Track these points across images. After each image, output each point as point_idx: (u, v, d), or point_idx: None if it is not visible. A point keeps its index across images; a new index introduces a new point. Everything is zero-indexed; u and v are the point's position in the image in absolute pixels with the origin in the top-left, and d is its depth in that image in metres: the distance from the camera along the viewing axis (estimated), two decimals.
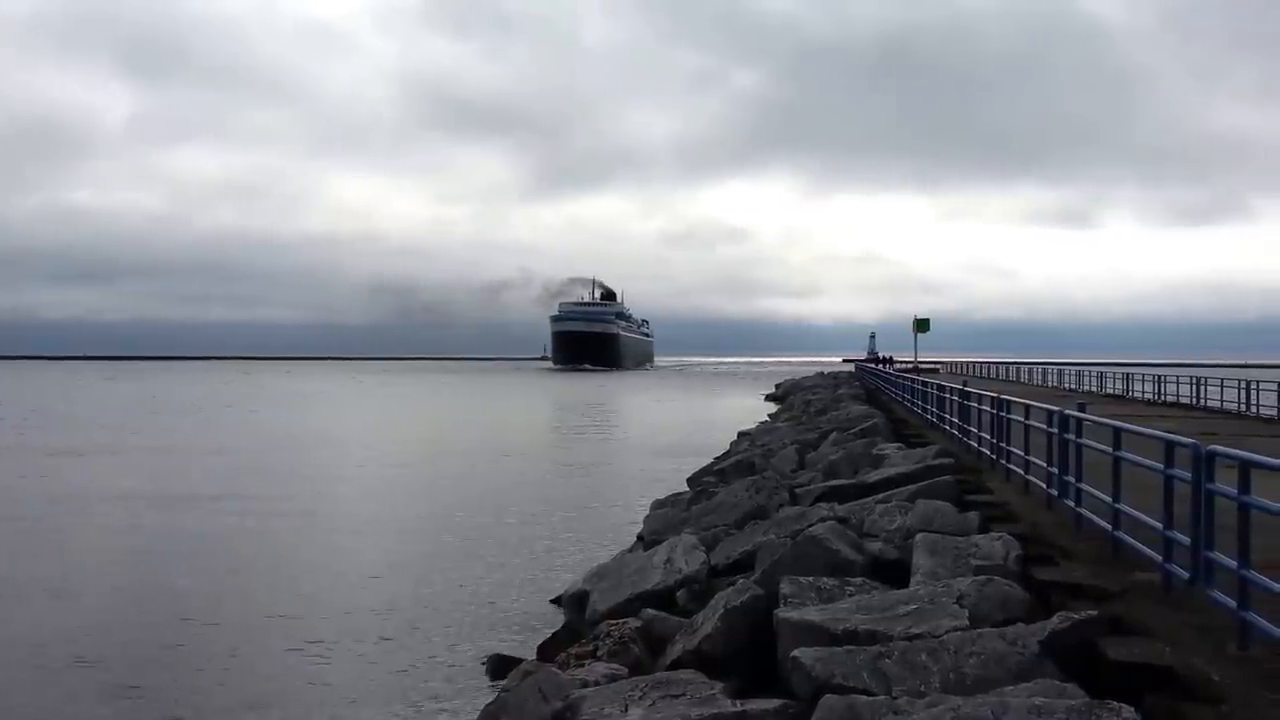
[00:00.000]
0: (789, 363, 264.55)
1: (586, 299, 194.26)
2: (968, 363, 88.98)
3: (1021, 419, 12.83)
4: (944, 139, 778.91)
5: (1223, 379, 31.62)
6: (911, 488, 12.41)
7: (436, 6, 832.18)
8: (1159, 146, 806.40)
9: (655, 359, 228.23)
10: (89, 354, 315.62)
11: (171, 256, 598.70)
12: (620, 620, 9.72)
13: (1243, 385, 28.77)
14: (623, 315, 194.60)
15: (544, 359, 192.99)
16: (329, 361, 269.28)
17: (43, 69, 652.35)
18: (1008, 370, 65.08)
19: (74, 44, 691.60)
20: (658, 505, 18.86)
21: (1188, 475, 7.00)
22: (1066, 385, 45.99)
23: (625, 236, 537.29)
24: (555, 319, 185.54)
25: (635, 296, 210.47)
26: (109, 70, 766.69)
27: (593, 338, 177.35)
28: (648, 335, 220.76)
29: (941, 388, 22.30)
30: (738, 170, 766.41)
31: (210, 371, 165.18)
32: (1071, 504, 10.00)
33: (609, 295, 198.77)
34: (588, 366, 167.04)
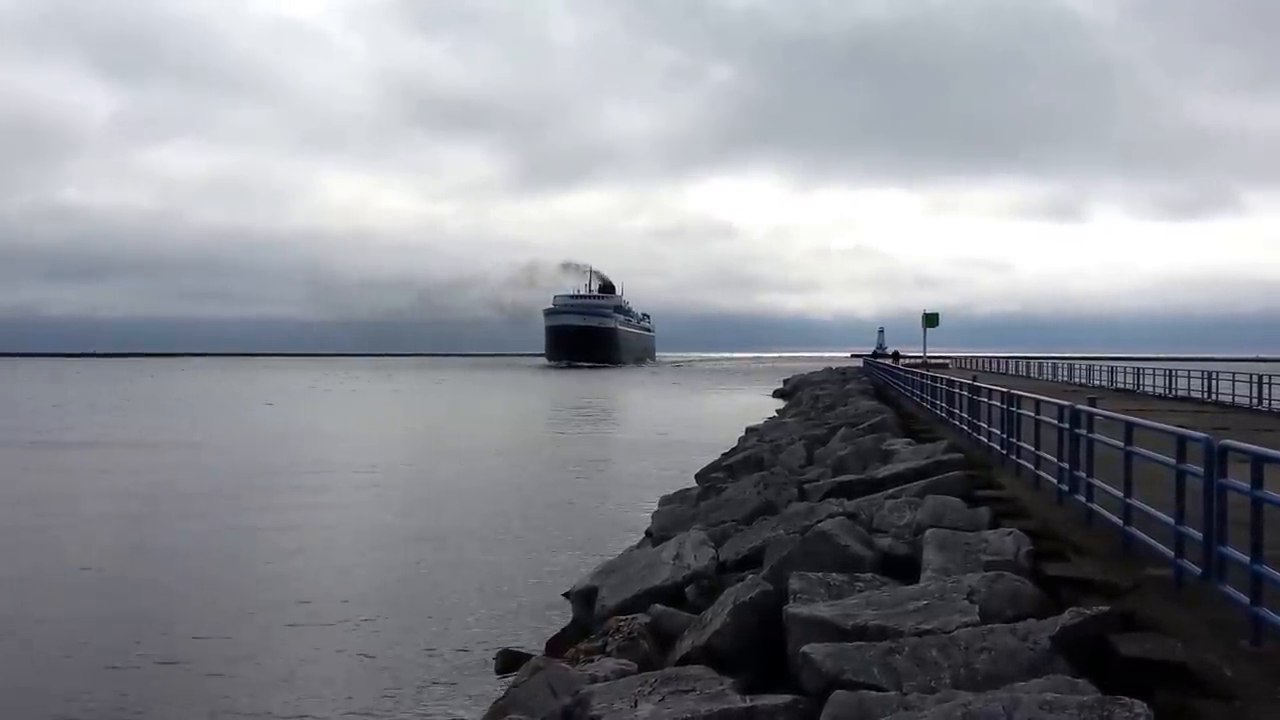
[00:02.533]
0: (795, 358, 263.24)
1: (583, 291, 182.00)
2: (975, 358, 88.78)
3: (1032, 414, 12.79)
4: (921, 133, 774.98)
5: (1234, 373, 31.51)
6: (921, 483, 12.39)
7: (405, 5, 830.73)
8: (1139, 139, 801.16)
9: (657, 355, 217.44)
10: (85, 351, 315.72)
11: (164, 254, 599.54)
12: (629, 616, 9.71)
13: (1255, 379, 28.66)
14: (622, 309, 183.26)
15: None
16: (321, 358, 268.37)
17: (17, 68, 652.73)
18: (1016, 365, 64.90)
19: (47, 43, 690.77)
20: (666, 501, 18.88)
21: (1200, 470, 6.97)
22: (1077, 380, 45.85)
23: (615, 232, 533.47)
24: (550, 313, 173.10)
25: (632, 291, 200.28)
26: (84, 70, 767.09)
27: (589, 333, 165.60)
28: (649, 330, 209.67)
29: (951, 383, 22.25)
30: (723, 165, 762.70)
31: (210, 369, 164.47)
32: (1083, 499, 9.96)
33: (607, 287, 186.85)
34: (582, 363, 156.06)
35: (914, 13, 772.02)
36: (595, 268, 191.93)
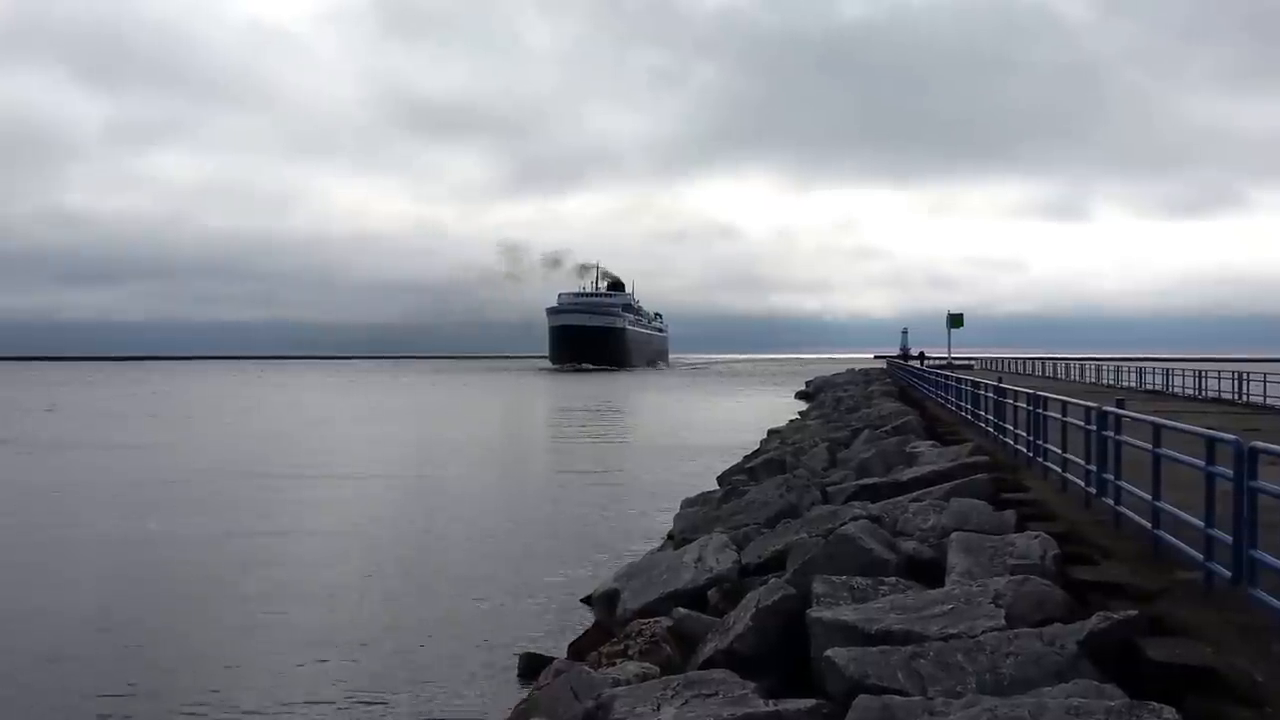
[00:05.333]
0: (812, 360, 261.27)
1: (589, 289, 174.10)
2: (998, 359, 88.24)
3: (1058, 415, 12.67)
4: (910, 133, 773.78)
5: (1265, 374, 31.11)
6: (946, 486, 12.29)
7: (381, 12, 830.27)
8: (1132, 138, 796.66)
9: (670, 357, 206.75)
10: (97, 354, 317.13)
11: (171, 259, 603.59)
12: (652, 619, 9.70)
13: None
14: (631, 307, 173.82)
15: None
16: (324, 361, 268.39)
17: (12, 74, 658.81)
18: (1040, 366, 64.45)
19: (36, 49, 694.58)
20: (688, 504, 18.85)
21: (1230, 472, 6.87)
22: (1104, 381, 45.46)
23: (617, 234, 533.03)
24: (553, 311, 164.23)
25: (641, 293, 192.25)
26: (75, 76, 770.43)
27: (595, 333, 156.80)
28: (661, 330, 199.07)
29: (976, 384, 22.10)
30: (719, 166, 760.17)
31: (214, 372, 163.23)
32: (1110, 502, 9.86)
33: (616, 285, 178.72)
34: (587, 365, 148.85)
35: (890, 14, 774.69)
36: (603, 266, 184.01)
